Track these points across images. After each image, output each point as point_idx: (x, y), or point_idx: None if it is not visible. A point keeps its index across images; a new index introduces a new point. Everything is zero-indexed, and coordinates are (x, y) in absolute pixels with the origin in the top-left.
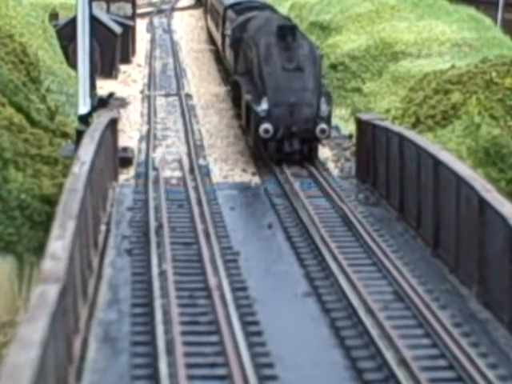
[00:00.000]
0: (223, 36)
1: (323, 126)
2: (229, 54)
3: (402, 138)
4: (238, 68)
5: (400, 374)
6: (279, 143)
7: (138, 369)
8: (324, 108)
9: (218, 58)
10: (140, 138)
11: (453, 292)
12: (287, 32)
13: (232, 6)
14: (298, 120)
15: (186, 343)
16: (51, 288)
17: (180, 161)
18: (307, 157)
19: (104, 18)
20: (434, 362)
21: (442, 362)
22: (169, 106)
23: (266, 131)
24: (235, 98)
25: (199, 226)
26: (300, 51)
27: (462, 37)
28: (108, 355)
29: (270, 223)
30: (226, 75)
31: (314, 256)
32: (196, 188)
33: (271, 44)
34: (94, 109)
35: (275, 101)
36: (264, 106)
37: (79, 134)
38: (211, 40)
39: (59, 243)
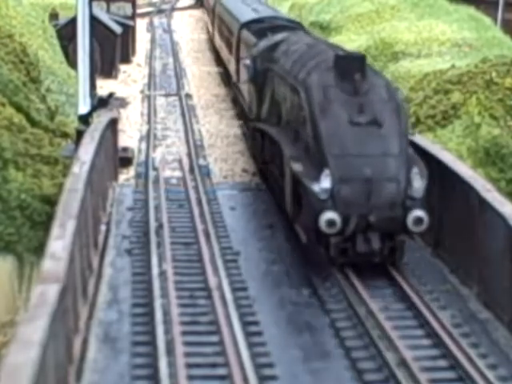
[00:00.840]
0: (237, 61)
1: (418, 213)
2: (248, 89)
3: None
4: (263, 112)
5: (400, 374)
6: (349, 240)
7: (138, 369)
8: (418, 184)
9: (227, 78)
10: (140, 137)
11: (453, 292)
12: (352, 66)
13: (249, 25)
14: (377, 204)
15: (186, 343)
16: (51, 288)
17: (180, 161)
18: (388, 259)
19: (104, 17)
20: (434, 362)
21: (442, 363)
22: (169, 105)
23: (331, 223)
24: (259, 148)
25: (199, 226)
26: (374, 96)
27: (462, 37)
28: (108, 355)
29: (271, 223)
30: (242, 116)
31: None
32: (196, 188)
33: (329, 85)
34: (94, 109)
35: (342, 175)
36: (325, 183)
37: (79, 134)
38: (218, 58)
39: (59, 243)
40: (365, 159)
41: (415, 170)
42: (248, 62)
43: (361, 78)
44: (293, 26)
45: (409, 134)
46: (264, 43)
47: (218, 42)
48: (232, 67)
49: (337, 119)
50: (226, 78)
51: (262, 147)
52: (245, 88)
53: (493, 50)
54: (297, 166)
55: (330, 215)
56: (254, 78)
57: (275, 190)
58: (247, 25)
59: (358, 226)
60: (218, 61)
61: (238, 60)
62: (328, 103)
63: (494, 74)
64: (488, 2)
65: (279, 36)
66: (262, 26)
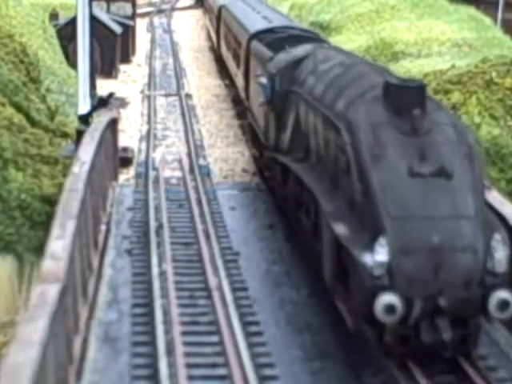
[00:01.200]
0: (246, 77)
1: (503, 293)
2: (263, 112)
3: None
4: (283, 141)
5: (401, 378)
6: (411, 328)
7: (138, 369)
8: (500, 254)
9: (230, 79)
10: (140, 137)
11: None
12: (408, 98)
13: (260, 35)
14: (449, 282)
15: (186, 343)
16: (51, 288)
17: (180, 161)
18: (459, 349)
19: (104, 17)
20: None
21: (442, 366)
22: (169, 105)
23: (390, 309)
24: (279, 184)
25: (199, 226)
26: (439, 137)
27: (462, 37)
28: (108, 355)
29: (271, 223)
30: (253, 139)
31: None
32: (196, 188)
33: (380, 122)
34: (94, 109)
35: (403, 244)
36: (381, 254)
37: (79, 134)
38: (223, 67)
39: (59, 243)
40: (431, 223)
41: (497, 237)
42: (264, 80)
43: (421, 113)
44: (312, 36)
45: (485, 187)
46: (282, 58)
47: (225, 53)
48: (240, 83)
49: (393, 169)
50: (235, 93)
51: (283, 182)
52: (258, 109)
53: (493, 50)
54: (340, 229)
55: (388, 299)
56: (271, 99)
57: (306, 246)
58: (258, 35)
59: (424, 311)
60: (226, 73)
61: (246, 75)
62: (381, 147)
63: (494, 74)
64: (488, 2)
65: (301, 50)
66: (277, 37)
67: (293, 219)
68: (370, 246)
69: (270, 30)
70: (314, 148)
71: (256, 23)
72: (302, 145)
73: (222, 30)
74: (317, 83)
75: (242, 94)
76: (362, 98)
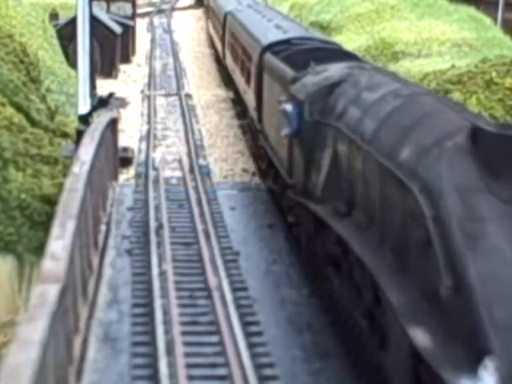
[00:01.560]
0: (259, 97)
1: None
2: (287, 145)
3: None
4: (315, 185)
5: None
6: None
7: (138, 369)
8: None
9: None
10: (140, 137)
11: None
12: (509, 151)
13: (275, 48)
14: None
15: (186, 343)
16: (51, 288)
17: (180, 161)
18: None
19: (104, 17)
20: None
21: None
22: (169, 105)
23: None
24: (307, 234)
25: (199, 226)
26: None
27: (462, 37)
28: (108, 355)
29: (271, 223)
30: (268, 168)
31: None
32: (196, 188)
33: (471, 185)
34: (94, 109)
35: None
36: (487, 383)
37: (79, 134)
38: (228, 76)
39: (59, 243)
40: None
41: None
42: (289, 107)
43: None
44: (338, 49)
45: None
46: (310, 80)
47: (231, 65)
48: (250, 102)
49: (497, 255)
50: (242, 111)
51: (315, 236)
52: (277, 137)
53: (493, 50)
54: (420, 337)
55: None
56: (298, 131)
57: (345, 322)
58: (272, 48)
59: None
60: (231, 85)
61: (259, 95)
62: (477, 222)
63: (494, 74)
64: (488, 2)
65: (334, 70)
66: (297, 51)
67: (327, 284)
68: (468, 369)
69: (286, 42)
70: (362, 202)
71: (269, 33)
72: (344, 195)
73: (228, 39)
74: (363, 118)
75: (254, 115)
76: (440, 148)
